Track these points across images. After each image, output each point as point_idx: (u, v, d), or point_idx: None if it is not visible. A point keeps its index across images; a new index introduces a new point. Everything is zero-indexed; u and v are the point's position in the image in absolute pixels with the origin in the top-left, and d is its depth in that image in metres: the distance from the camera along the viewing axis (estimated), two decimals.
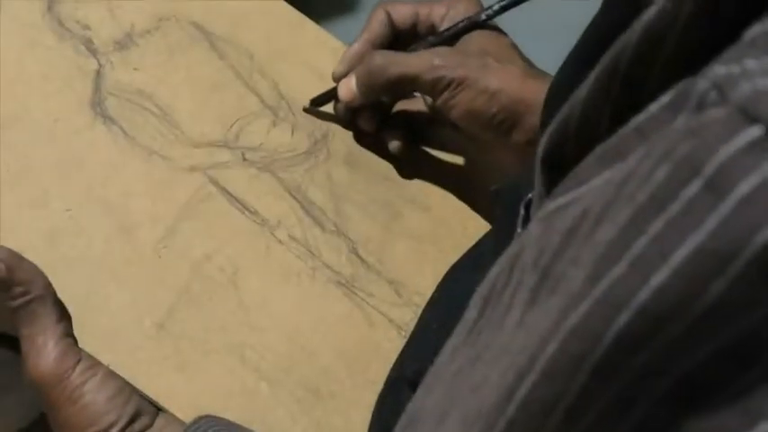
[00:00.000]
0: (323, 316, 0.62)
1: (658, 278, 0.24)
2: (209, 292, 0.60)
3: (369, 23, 0.70)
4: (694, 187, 0.23)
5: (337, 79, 0.70)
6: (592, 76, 0.31)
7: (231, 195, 0.64)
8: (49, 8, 0.67)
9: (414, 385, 0.51)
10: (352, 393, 0.60)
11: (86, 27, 0.68)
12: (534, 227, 0.30)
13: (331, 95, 0.70)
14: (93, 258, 0.59)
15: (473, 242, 0.64)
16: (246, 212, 0.64)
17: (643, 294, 0.24)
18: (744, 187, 0.22)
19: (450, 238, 0.68)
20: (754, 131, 0.23)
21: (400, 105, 0.73)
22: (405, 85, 0.67)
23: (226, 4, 0.72)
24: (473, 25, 0.68)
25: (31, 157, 0.61)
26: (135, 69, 0.67)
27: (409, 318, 0.64)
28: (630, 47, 0.29)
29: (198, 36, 0.70)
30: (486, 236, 0.64)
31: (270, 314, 0.61)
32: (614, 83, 0.30)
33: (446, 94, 0.65)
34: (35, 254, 0.56)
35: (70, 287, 0.57)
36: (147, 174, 0.63)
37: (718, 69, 0.24)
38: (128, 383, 0.56)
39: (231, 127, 0.68)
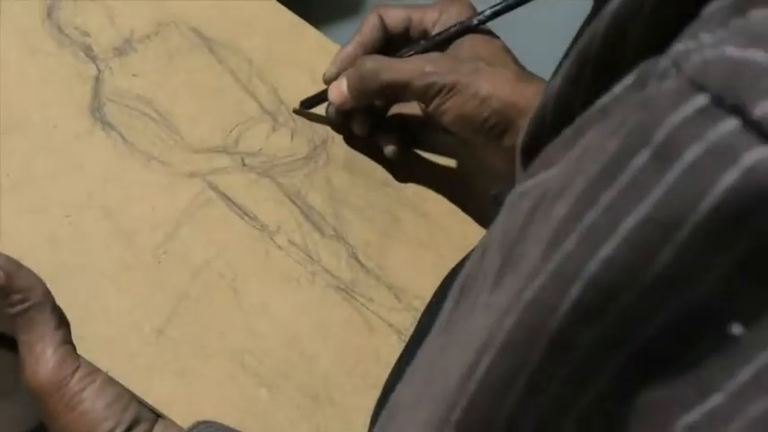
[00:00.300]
0: (322, 321, 0.62)
1: (607, 249, 0.24)
2: (208, 297, 0.60)
3: (361, 27, 0.70)
4: (643, 157, 0.23)
5: (328, 81, 0.70)
6: (565, 66, 0.31)
7: (231, 201, 0.64)
8: (49, 14, 0.67)
9: None
10: (351, 399, 0.60)
11: (86, 33, 0.68)
12: (501, 213, 0.30)
13: (322, 98, 0.70)
14: (92, 264, 0.59)
15: (472, 247, 0.64)
16: (246, 218, 0.64)
17: (593, 265, 0.24)
18: (689, 155, 0.22)
19: (449, 244, 0.68)
20: (701, 100, 0.23)
21: (395, 109, 0.72)
22: (396, 91, 0.67)
23: (225, 9, 0.72)
24: (465, 30, 0.68)
25: (30, 163, 0.61)
26: (134, 75, 0.67)
27: (409, 323, 0.64)
28: (599, 35, 0.29)
29: (197, 41, 0.70)
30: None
31: (269, 319, 0.61)
32: (586, 71, 0.30)
33: (437, 100, 0.65)
34: (34, 260, 0.56)
35: (69, 293, 0.57)
36: (146, 179, 0.63)
37: (678, 46, 0.24)
38: (127, 390, 0.56)
39: (230, 132, 0.68)
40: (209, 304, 0.60)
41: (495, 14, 0.67)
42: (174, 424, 0.56)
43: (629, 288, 0.23)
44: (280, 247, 0.64)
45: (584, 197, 0.24)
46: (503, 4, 0.66)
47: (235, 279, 0.62)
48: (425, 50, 0.68)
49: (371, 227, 0.68)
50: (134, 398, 0.56)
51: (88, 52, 0.67)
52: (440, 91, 0.64)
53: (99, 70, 0.67)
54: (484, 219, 0.70)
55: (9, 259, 0.55)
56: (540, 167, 0.29)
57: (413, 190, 0.71)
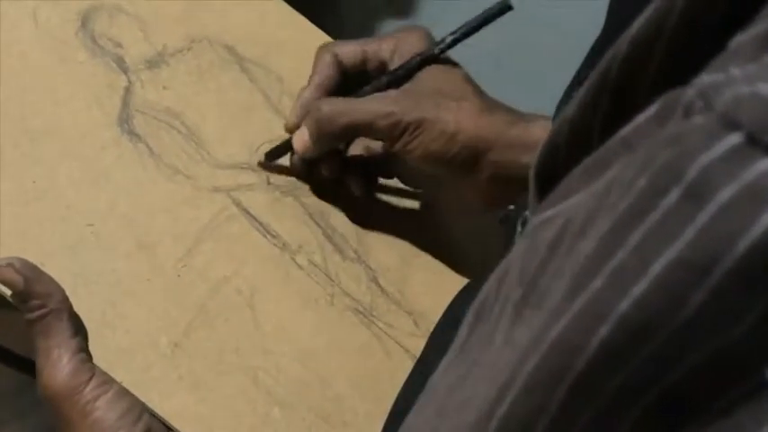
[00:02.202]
0: (339, 343, 0.62)
1: (638, 289, 0.23)
2: (226, 313, 0.60)
3: (315, 68, 0.67)
4: (674, 196, 0.23)
5: (291, 130, 0.67)
6: (581, 92, 0.30)
7: (253, 218, 0.64)
8: (83, 24, 0.68)
9: None
10: (364, 423, 0.60)
11: (118, 45, 0.68)
12: (521, 242, 0.30)
13: (287, 147, 0.67)
14: (112, 274, 0.59)
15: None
16: (268, 236, 0.64)
17: (623, 306, 0.23)
18: (723, 195, 0.22)
19: (470, 272, 0.68)
20: (734, 138, 0.22)
21: (356, 145, 0.70)
22: (359, 133, 0.65)
23: (259, 29, 0.73)
24: (427, 60, 0.66)
25: (57, 171, 0.61)
26: (164, 88, 0.67)
27: None
28: (618, 60, 0.29)
29: (229, 59, 0.71)
30: (491, 263, 0.63)
31: (286, 338, 0.61)
32: (603, 97, 0.29)
33: (404, 138, 0.63)
34: (55, 267, 0.56)
35: (88, 302, 0.57)
36: (170, 192, 0.63)
37: (704, 78, 0.24)
38: (139, 401, 0.55)
39: (257, 150, 0.68)
40: (227, 320, 0.60)
41: (456, 41, 0.65)
42: None
43: (660, 330, 0.23)
44: (300, 267, 0.64)
45: (612, 236, 0.24)
46: (462, 31, 0.65)
47: (253, 296, 0.61)
48: (386, 86, 0.65)
49: (393, 252, 0.67)
50: (146, 410, 0.55)
51: (120, 63, 0.67)
52: (405, 130, 0.63)
53: (129, 82, 0.67)
54: (487, 243, 0.68)
55: (29, 265, 0.55)
56: (559, 197, 0.29)
57: (435, 218, 0.70)
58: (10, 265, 0.55)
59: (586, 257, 0.24)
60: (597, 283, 0.24)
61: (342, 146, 0.69)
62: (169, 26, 0.70)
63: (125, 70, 0.67)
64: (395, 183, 0.71)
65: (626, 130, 0.27)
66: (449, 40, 0.65)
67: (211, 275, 0.61)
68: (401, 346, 0.63)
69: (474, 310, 0.33)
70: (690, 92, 0.24)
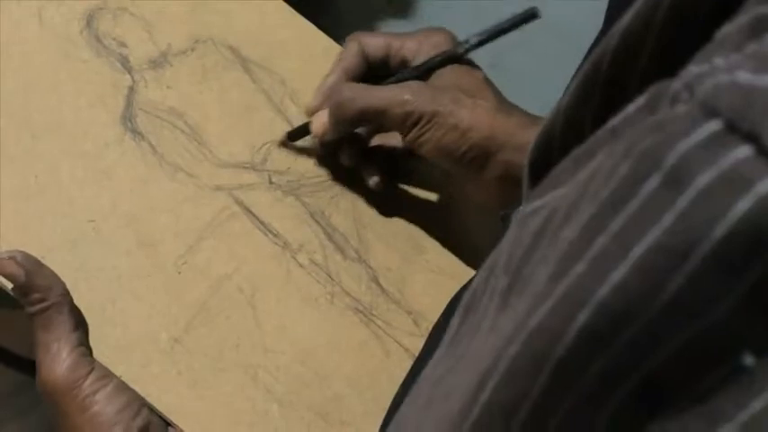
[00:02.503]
0: (339, 342, 0.62)
1: (617, 275, 0.23)
2: (226, 310, 0.60)
3: (343, 54, 0.69)
4: (653, 182, 0.23)
5: (311, 113, 0.68)
6: (573, 84, 0.31)
7: (255, 216, 0.65)
8: (88, 24, 0.68)
9: None
10: (362, 422, 0.60)
11: (123, 44, 0.68)
12: (509, 233, 0.30)
13: (307, 130, 0.68)
14: (113, 270, 0.59)
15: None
16: (269, 234, 0.64)
17: (602, 291, 0.23)
18: (701, 181, 0.22)
19: (470, 272, 0.68)
20: (713, 125, 0.22)
21: (378, 139, 0.71)
22: (374, 119, 0.66)
23: (263, 30, 0.73)
24: (450, 59, 0.67)
25: (59, 167, 0.61)
26: (168, 87, 0.68)
27: None
28: (609, 53, 0.29)
29: (233, 59, 0.71)
30: None
31: (285, 337, 0.61)
32: (595, 88, 0.30)
33: (416, 130, 0.64)
34: (56, 262, 0.56)
35: (89, 297, 0.57)
36: (172, 190, 0.63)
37: (691, 69, 0.24)
38: (138, 396, 0.55)
39: (259, 150, 0.68)
40: (227, 318, 0.60)
41: (481, 43, 0.66)
42: None
43: (639, 315, 0.23)
44: (301, 266, 0.64)
45: (594, 222, 0.24)
46: (488, 33, 0.65)
47: (254, 294, 0.62)
48: (407, 79, 0.66)
49: (394, 252, 0.67)
50: (145, 404, 0.56)
51: (124, 63, 0.68)
52: (418, 120, 0.63)
53: (133, 81, 0.67)
54: (489, 243, 0.69)
55: (30, 258, 0.55)
56: (548, 187, 0.29)
57: (441, 219, 0.70)
58: (11, 257, 0.55)
59: (569, 244, 0.25)
60: (578, 268, 0.24)
61: (364, 135, 0.70)
62: (173, 26, 0.71)
63: (129, 70, 0.67)
64: (394, 181, 0.71)
65: (615, 120, 0.27)
66: (474, 41, 0.66)
67: (212, 273, 0.61)
68: (400, 346, 0.63)
69: (464, 304, 0.33)
70: (677, 83, 0.24)
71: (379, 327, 0.64)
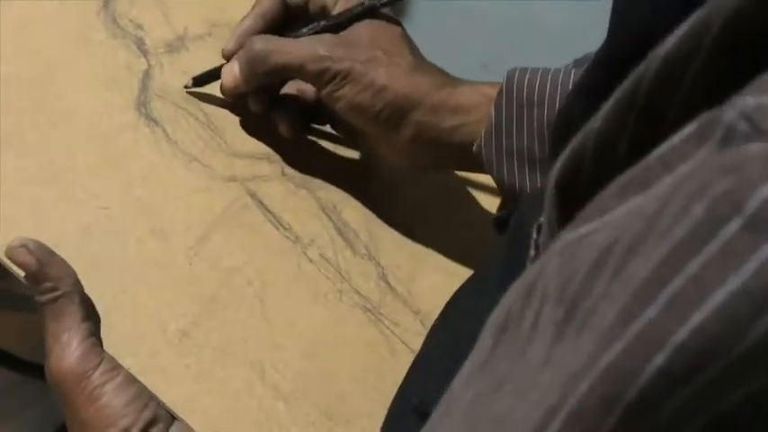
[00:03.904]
0: (345, 340, 0.62)
1: (697, 318, 0.23)
2: (235, 304, 0.60)
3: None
4: (734, 226, 0.23)
5: (227, 57, 0.67)
6: (607, 107, 0.30)
7: (267, 209, 0.64)
8: (105, 5, 0.67)
9: (420, 414, 0.51)
10: (367, 421, 0.60)
11: (139, 27, 0.68)
12: (554, 256, 0.29)
13: (216, 75, 0.67)
14: (123, 259, 0.59)
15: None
16: (280, 228, 0.64)
17: (681, 334, 0.23)
18: None
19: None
20: None
21: (291, 84, 0.70)
22: (288, 74, 0.65)
23: None
24: (366, 12, 0.65)
25: (73, 153, 0.61)
26: (184, 73, 0.67)
27: None
28: (648, 78, 0.29)
29: None
30: (489, 263, 0.63)
31: (293, 332, 0.61)
32: (632, 113, 0.29)
33: (330, 87, 0.63)
34: (68, 249, 0.56)
35: (99, 286, 0.57)
36: (185, 179, 0.63)
37: (747, 100, 0.24)
38: (146, 389, 0.55)
39: (274, 140, 0.68)
40: (235, 311, 0.60)
41: None
42: (189, 428, 0.56)
43: (718, 359, 0.23)
44: (311, 261, 0.64)
45: (668, 263, 0.24)
46: None
47: (263, 288, 0.61)
48: (323, 30, 0.65)
49: (404, 250, 0.67)
50: (153, 397, 0.56)
51: (140, 45, 0.67)
52: (333, 77, 0.63)
53: (149, 65, 0.67)
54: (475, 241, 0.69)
55: (43, 247, 0.55)
56: (594, 213, 0.29)
57: (448, 219, 0.70)
58: (23, 246, 0.55)
59: (641, 282, 0.25)
60: (653, 310, 0.24)
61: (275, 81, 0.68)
62: (190, 10, 0.70)
63: (145, 53, 0.67)
64: (407, 179, 0.71)
65: (662, 149, 0.27)
66: None
67: (222, 265, 0.61)
68: (407, 346, 0.63)
69: (497, 323, 0.33)
70: (730, 113, 0.24)
71: (387, 326, 0.64)
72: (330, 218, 0.66)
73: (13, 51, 0.62)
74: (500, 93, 0.63)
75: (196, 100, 0.66)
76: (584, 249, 0.28)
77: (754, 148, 0.23)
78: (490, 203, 0.73)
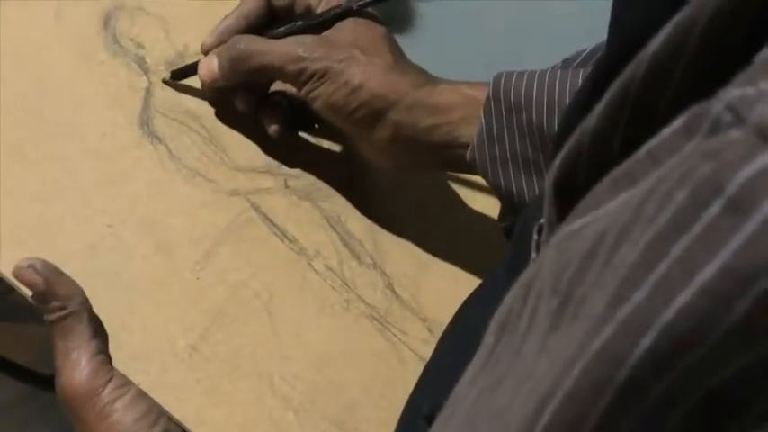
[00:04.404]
0: (354, 349, 0.62)
1: (683, 298, 0.24)
2: (243, 317, 0.61)
3: None
4: (716, 208, 0.23)
5: (205, 51, 0.68)
6: (600, 107, 0.31)
7: (271, 222, 0.65)
8: (105, 24, 0.68)
9: (431, 420, 0.51)
10: (377, 430, 0.60)
11: (140, 45, 0.68)
12: (550, 252, 0.30)
13: (194, 70, 0.67)
14: (130, 275, 0.59)
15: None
16: (285, 240, 0.64)
17: (668, 314, 0.24)
18: (766, 207, 0.23)
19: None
20: None
21: (278, 85, 0.70)
22: (268, 75, 0.66)
23: None
24: (346, 13, 0.66)
25: (77, 171, 0.61)
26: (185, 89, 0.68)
27: None
28: (638, 78, 0.29)
29: None
30: (497, 269, 0.64)
31: (301, 343, 0.61)
32: (624, 111, 0.30)
33: (308, 86, 0.64)
34: (75, 267, 0.56)
35: (106, 303, 0.57)
36: (189, 195, 0.63)
37: (733, 92, 0.24)
38: (157, 404, 0.56)
39: (274, 154, 0.68)
40: (243, 324, 0.60)
41: (377, 0, 0.65)
42: None
43: (705, 338, 0.24)
44: (317, 272, 0.64)
45: (654, 247, 0.25)
46: None
47: (270, 301, 0.62)
48: (303, 30, 0.66)
49: (410, 258, 0.68)
50: (164, 413, 0.56)
51: (141, 64, 0.67)
52: (311, 77, 0.63)
53: (150, 82, 0.67)
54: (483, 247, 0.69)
55: (50, 266, 0.55)
56: (588, 208, 0.29)
57: (457, 224, 0.71)
58: (31, 266, 0.55)
59: (628, 268, 0.25)
60: (640, 293, 0.24)
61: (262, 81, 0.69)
62: (190, 27, 0.71)
63: (146, 71, 0.67)
64: (410, 187, 0.71)
65: (652, 143, 0.27)
66: None
67: (229, 279, 0.61)
68: (415, 354, 0.64)
69: (498, 322, 0.33)
70: (717, 105, 0.25)
71: (394, 335, 0.64)
72: (335, 228, 0.66)
73: (14, 71, 0.63)
74: (488, 98, 0.63)
75: (197, 116, 0.67)
76: (577, 242, 0.28)
77: (735, 134, 0.24)
78: (494, 208, 0.73)
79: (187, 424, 0.56)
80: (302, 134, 0.71)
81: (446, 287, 0.67)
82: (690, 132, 0.25)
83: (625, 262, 0.25)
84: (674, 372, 0.24)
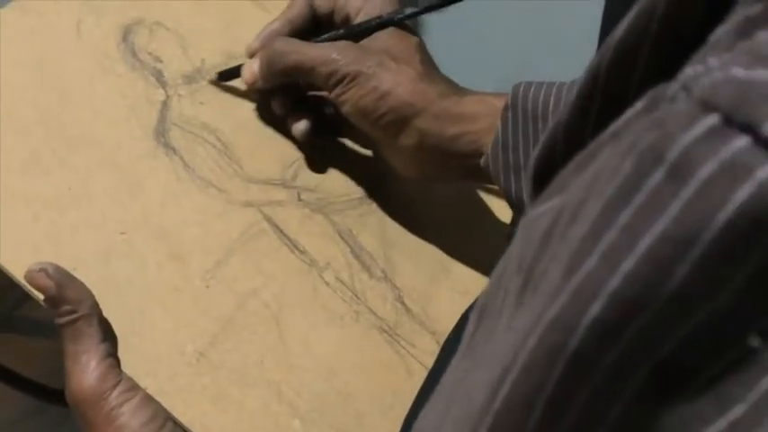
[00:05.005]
0: (362, 361, 0.63)
1: (627, 265, 0.24)
2: (252, 326, 0.61)
3: (290, 4, 0.70)
4: (657, 176, 0.24)
5: (250, 55, 0.70)
6: (571, 97, 0.32)
7: (283, 233, 0.65)
8: (124, 38, 0.69)
9: None
10: None
11: (158, 59, 0.69)
12: (518, 235, 0.31)
13: (238, 72, 0.70)
14: (142, 282, 0.60)
15: None
16: (296, 252, 0.65)
17: (613, 282, 0.24)
18: (703, 172, 0.23)
19: None
20: (711, 119, 0.23)
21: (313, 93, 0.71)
22: (301, 74, 0.67)
23: None
24: (384, 24, 0.67)
25: (92, 179, 0.62)
26: (201, 103, 0.69)
27: None
28: (604, 65, 0.30)
29: None
30: None
31: (310, 354, 0.61)
32: (594, 100, 0.31)
33: (338, 89, 0.65)
34: (86, 273, 0.57)
35: (117, 309, 0.58)
36: (202, 205, 0.64)
37: (687, 71, 0.25)
38: (163, 409, 0.56)
39: (290, 167, 0.69)
40: (252, 333, 0.61)
41: (415, 14, 0.67)
42: None
43: (649, 303, 0.24)
44: (327, 284, 0.64)
45: (602, 218, 0.25)
46: (424, 6, 0.66)
47: (280, 311, 0.62)
48: (345, 38, 0.67)
49: (420, 272, 0.68)
50: (170, 418, 0.56)
51: (159, 77, 0.69)
52: (342, 79, 0.65)
53: (167, 96, 0.68)
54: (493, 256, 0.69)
55: (61, 270, 0.56)
56: (553, 192, 0.30)
57: (468, 240, 0.71)
58: (43, 270, 0.56)
59: (579, 240, 0.25)
60: (590, 262, 0.25)
61: (300, 86, 0.70)
62: (208, 43, 0.72)
63: (163, 84, 0.68)
64: (422, 199, 0.72)
65: (615, 125, 0.28)
66: (408, 11, 0.67)
67: (239, 289, 0.62)
68: (424, 366, 0.64)
69: (477, 310, 0.34)
70: (673, 85, 0.25)
71: (403, 347, 0.64)
72: (346, 241, 0.67)
73: (33, 82, 0.64)
74: (506, 107, 0.64)
75: (213, 128, 0.68)
76: (538, 224, 0.29)
77: (678, 105, 0.24)
78: (505, 221, 0.73)
79: (193, 429, 0.56)
80: (318, 147, 0.71)
81: (456, 301, 0.67)
82: (650, 112, 0.26)
83: (577, 234, 0.26)
84: (622, 340, 0.24)
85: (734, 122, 0.23)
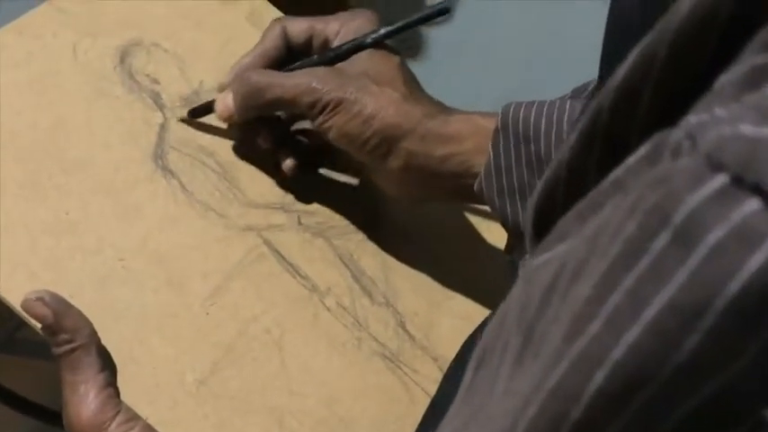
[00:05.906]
0: (364, 387, 0.62)
1: (631, 335, 0.23)
2: (253, 352, 0.60)
3: (263, 37, 0.68)
4: (663, 239, 0.23)
5: (221, 89, 0.68)
6: (572, 137, 0.31)
7: (283, 258, 0.64)
8: (122, 60, 0.68)
9: None
10: None
11: (155, 81, 0.69)
12: (518, 286, 0.30)
13: (210, 108, 0.67)
14: (140, 309, 0.59)
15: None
16: (297, 277, 0.64)
17: (618, 352, 0.23)
18: (712, 238, 0.22)
19: None
20: (720, 179, 0.22)
21: (299, 124, 0.70)
22: (282, 108, 0.66)
23: None
24: (358, 47, 0.66)
25: (89, 204, 0.61)
26: (199, 125, 0.68)
27: None
28: (606, 107, 0.29)
29: None
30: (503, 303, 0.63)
31: (311, 380, 0.61)
32: (595, 142, 0.30)
33: (322, 117, 0.64)
34: (84, 300, 0.56)
35: (116, 336, 0.57)
36: (202, 230, 0.63)
37: (691, 119, 0.24)
38: None
39: (289, 190, 0.68)
40: (254, 360, 0.60)
41: (390, 34, 0.66)
42: None
43: (655, 375, 0.23)
44: (328, 309, 0.64)
45: (606, 280, 0.24)
46: (399, 26, 0.65)
47: (281, 337, 0.61)
48: (317, 65, 0.66)
49: (422, 297, 0.67)
50: None
51: (156, 100, 0.68)
52: (324, 108, 0.63)
53: (165, 118, 0.67)
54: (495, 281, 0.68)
55: (59, 299, 0.55)
56: (554, 241, 0.29)
57: (469, 265, 0.70)
58: (39, 299, 0.55)
59: (582, 302, 0.25)
60: (593, 327, 0.24)
61: (284, 118, 0.69)
62: (206, 64, 0.71)
63: (161, 107, 0.68)
64: (423, 226, 0.71)
65: (617, 171, 0.27)
66: (382, 32, 0.66)
67: (240, 315, 0.61)
68: (426, 393, 0.63)
69: (476, 356, 0.33)
70: (678, 132, 0.24)
71: (405, 373, 0.63)
72: (347, 266, 0.66)
73: (30, 105, 0.63)
74: (496, 130, 0.63)
75: (211, 151, 0.67)
76: (540, 276, 0.28)
77: (683, 161, 0.23)
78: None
79: None
80: (317, 172, 0.71)
81: (458, 326, 0.67)
82: (652, 160, 0.25)
83: (580, 296, 0.25)
84: (627, 411, 0.23)
85: (743, 183, 0.22)
